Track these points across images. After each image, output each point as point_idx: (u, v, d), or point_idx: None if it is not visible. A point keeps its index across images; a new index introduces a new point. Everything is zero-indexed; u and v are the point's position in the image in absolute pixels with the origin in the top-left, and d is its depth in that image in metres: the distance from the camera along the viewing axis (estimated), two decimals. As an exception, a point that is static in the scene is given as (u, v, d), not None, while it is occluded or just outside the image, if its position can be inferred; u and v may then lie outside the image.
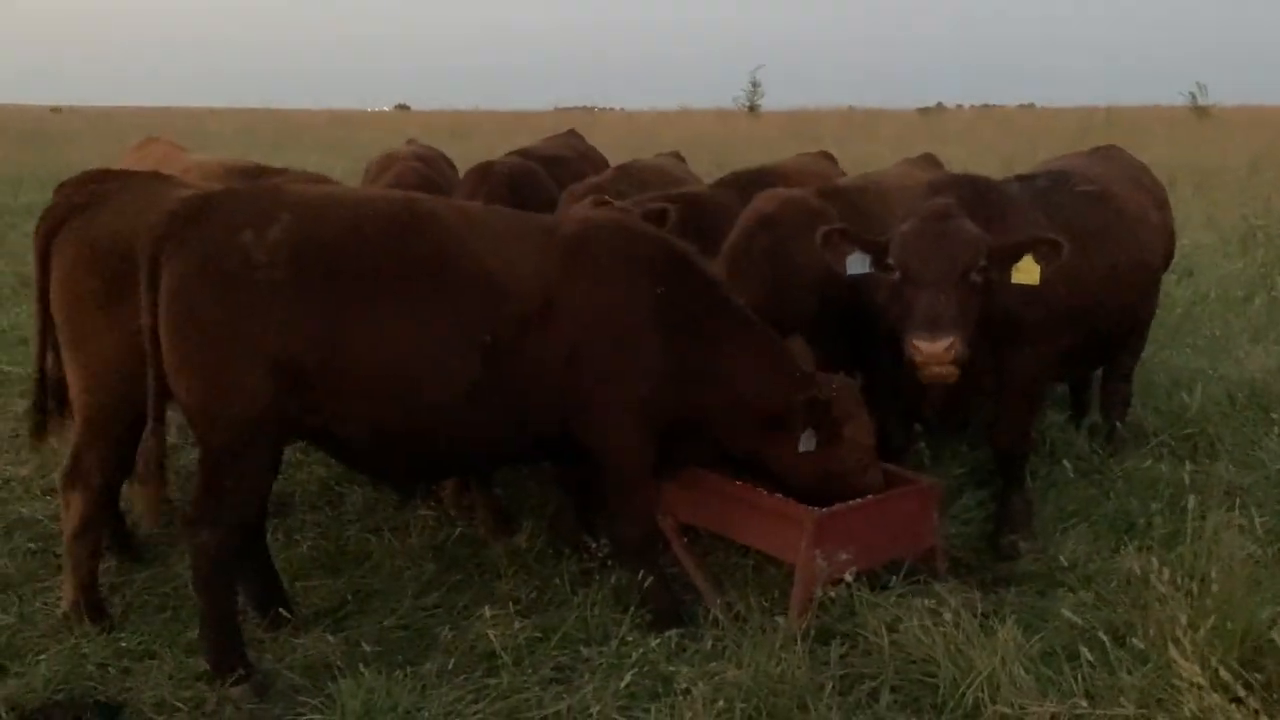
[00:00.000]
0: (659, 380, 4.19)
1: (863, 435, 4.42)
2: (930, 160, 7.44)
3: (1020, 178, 5.49)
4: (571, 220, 4.52)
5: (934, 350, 4.23)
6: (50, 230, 4.14)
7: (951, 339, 4.23)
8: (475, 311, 3.92)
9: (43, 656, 3.97)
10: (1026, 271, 4.45)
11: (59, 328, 4.18)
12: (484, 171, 6.57)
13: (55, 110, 49.89)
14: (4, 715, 3.64)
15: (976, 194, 4.87)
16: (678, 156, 8.34)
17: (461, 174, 7.29)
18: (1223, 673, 3.38)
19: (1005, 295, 4.55)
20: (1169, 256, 6.18)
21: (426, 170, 6.99)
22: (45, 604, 4.43)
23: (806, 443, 4.29)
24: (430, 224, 3.98)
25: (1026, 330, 4.78)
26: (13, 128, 31.29)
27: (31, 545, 4.97)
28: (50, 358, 4.30)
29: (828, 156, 7.74)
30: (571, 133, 8.82)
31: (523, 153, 7.67)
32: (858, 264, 4.58)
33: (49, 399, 4.35)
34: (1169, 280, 9.90)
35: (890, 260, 4.45)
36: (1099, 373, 6.20)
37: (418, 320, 3.85)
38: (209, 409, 3.73)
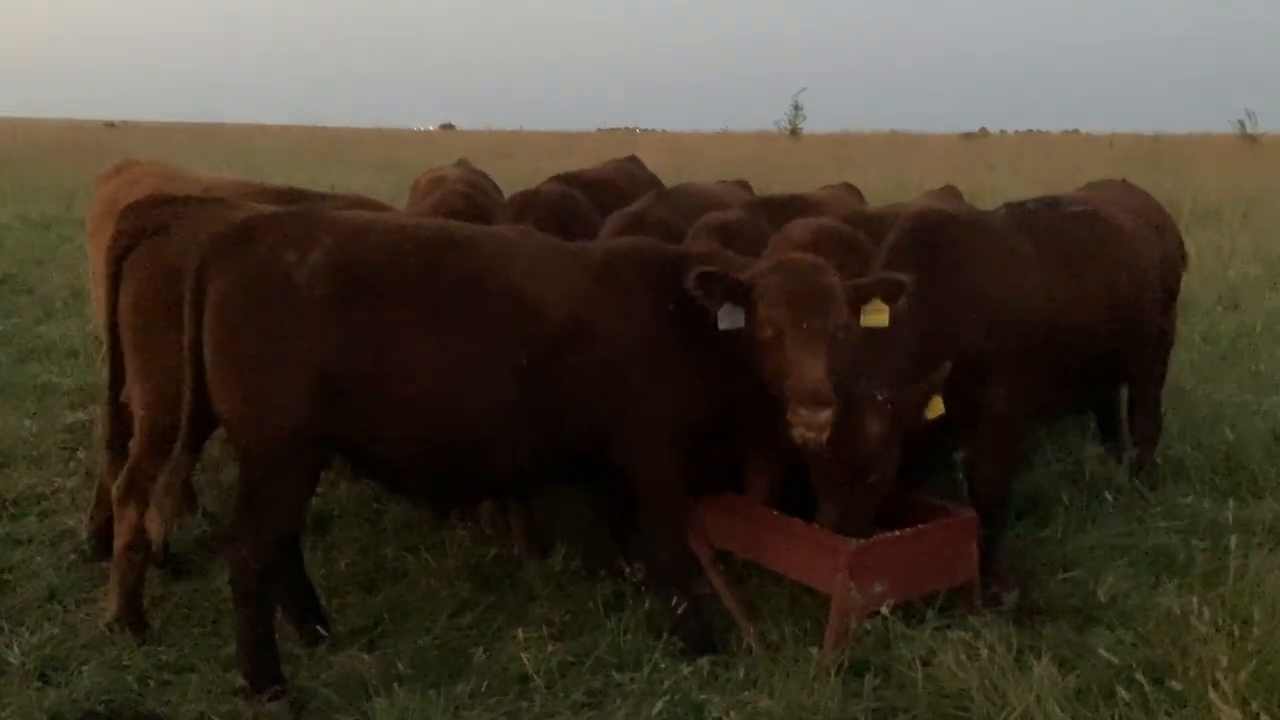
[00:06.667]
0: (688, 400, 4.21)
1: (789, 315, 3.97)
2: (952, 192, 7.39)
3: (1009, 205, 5.43)
4: (599, 246, 4.59)
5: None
6: (121, 253, 4.26)
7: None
8: (509, 334, 3.97)
9: (85, 667, 4.04)
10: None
11: (126, 347, 4.30)
12: (527, 199, 6.63)
13: (110, 126, 50.79)
14: (46, 725, 3.71)
15: (944, 239, 4.81)
16: (744, 185, 8.00)
17: (506, 195, 7.34)
18: (1264, 718, 3.33)
19: (969, 331, 4.55)
20: (1171, 282, 5.89)
21: (473, 194, 7.05)
22: (88, 615, 4.51)
23: (727, 317, 4.06)
24: (466, 248, 4.05)
25: (995, 362, 4.67)
26: (68, 142, 31.87)
27: (75, 556, 5.05)
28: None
29: (851, 188, 7.63)
30: (632, 159, 8.65)
31: (569, 177, 7.68)
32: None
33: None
34: (1214, 312, 9.78)
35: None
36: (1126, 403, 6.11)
37: (454, 342, 3.90)
38: (249, 425, 3.81)
